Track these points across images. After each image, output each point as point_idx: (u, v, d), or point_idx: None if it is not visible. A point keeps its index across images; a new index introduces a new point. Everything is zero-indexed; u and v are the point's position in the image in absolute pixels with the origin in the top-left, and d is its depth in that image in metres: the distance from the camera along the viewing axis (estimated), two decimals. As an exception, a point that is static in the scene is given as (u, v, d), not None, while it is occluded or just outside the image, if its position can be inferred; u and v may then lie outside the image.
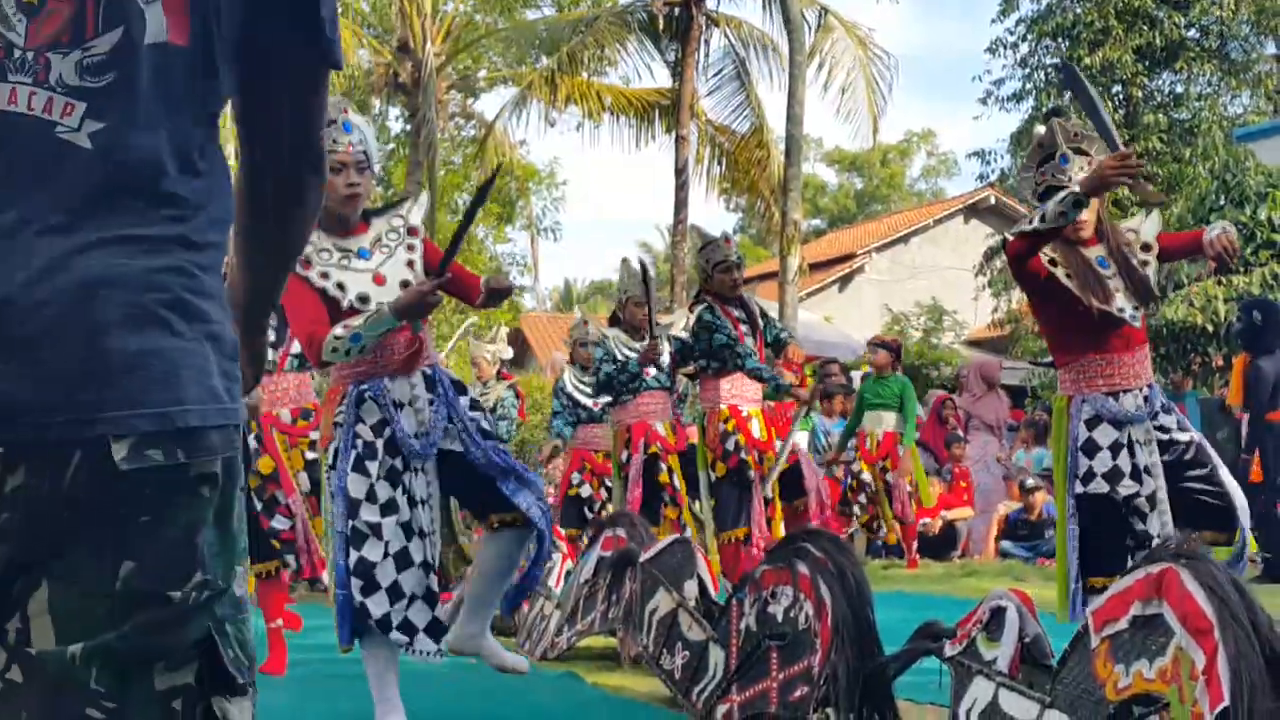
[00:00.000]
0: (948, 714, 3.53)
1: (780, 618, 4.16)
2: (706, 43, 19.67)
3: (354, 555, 3.72)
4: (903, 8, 41.80)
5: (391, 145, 24.02)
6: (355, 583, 3.70)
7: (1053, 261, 4.19)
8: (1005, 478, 12.24)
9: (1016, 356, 18.05)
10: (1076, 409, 4.22)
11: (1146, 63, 19.16)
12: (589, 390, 7.94)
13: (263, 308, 1.59)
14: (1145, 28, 18.79)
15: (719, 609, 4.64)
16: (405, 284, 3.80)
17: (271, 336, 5.64)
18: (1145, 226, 4.43)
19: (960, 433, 12.29)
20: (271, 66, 1.34)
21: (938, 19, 77.28)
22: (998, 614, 3.40)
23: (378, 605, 3.73)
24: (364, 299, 3.75)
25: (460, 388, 4.01)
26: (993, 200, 25.34)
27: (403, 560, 3.79)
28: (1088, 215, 4.17)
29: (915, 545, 10.35)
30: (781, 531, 6.32)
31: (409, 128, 18.88)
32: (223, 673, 1.22)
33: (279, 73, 1.35)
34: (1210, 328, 11.91)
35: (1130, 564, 3.97)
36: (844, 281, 26.47)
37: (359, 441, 3.79)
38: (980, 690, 3.37)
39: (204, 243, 1.25)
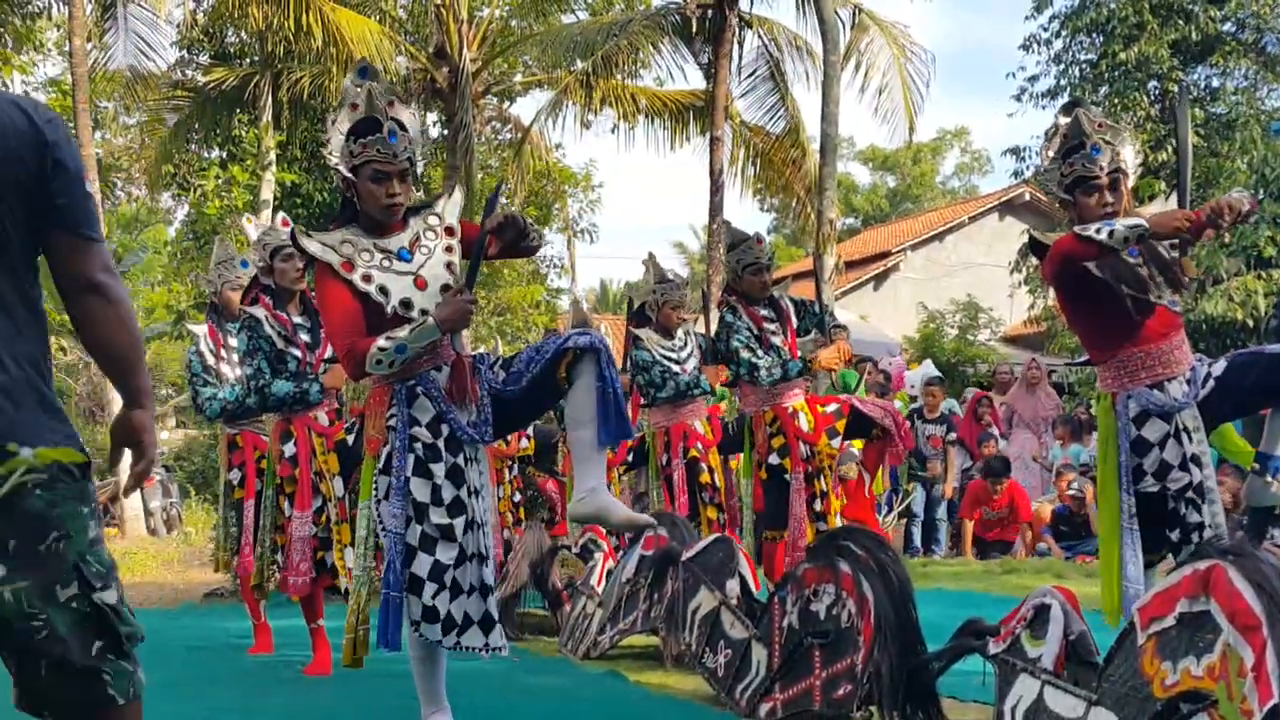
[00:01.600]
0: (992, 712, 3.52)
1: (823, 615, 4.15)
2: (740, 44, 19.60)
3: (426, 560, 3.70)
4: (935, 4, 41.55)
5: (430, 149, 24.09)
6: (430, 587, 3.69)
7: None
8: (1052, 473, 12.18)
9: (1054, 353, 17.94)
10: (1123, 405, 4.15)
11: (1182, 57, 18.97)
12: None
13: (120, 380, 2.57)
14: (1181, 22, 18.61)
15: (761, 607, 4.64)
16: (445, 287, 3.81)
17: (306, 338, 5.63)
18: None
19: (995, 430, 12.23)
20: (49, 245, 2.33)
21: (971, 15, 76.89)
22: (1042, 611, 3.39)
23: (444, 605, 3.73)
24: (407, 304, 3.74)
25: (482, 358, 4.02)
26: (1028, 197, 25.19)
27: (468, 557, 3.81)
28: (1119, 209, 4.11)
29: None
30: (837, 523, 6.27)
31: (446, 133, 18.90)
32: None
33: (52, 249, 2.34)
34: (1250, 323, 11.79)
35: (1181, 555, 3.95)
36: (879, 280, 26.39)
37: (417, 445, 3.76)
38: (1025, 688, 3.36)
39: None
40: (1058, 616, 3.31)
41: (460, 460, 3.82)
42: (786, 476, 6.27)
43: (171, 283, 24.70)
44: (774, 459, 6.32)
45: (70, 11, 16.13)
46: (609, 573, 6.58)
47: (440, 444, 3.79)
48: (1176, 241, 4.10)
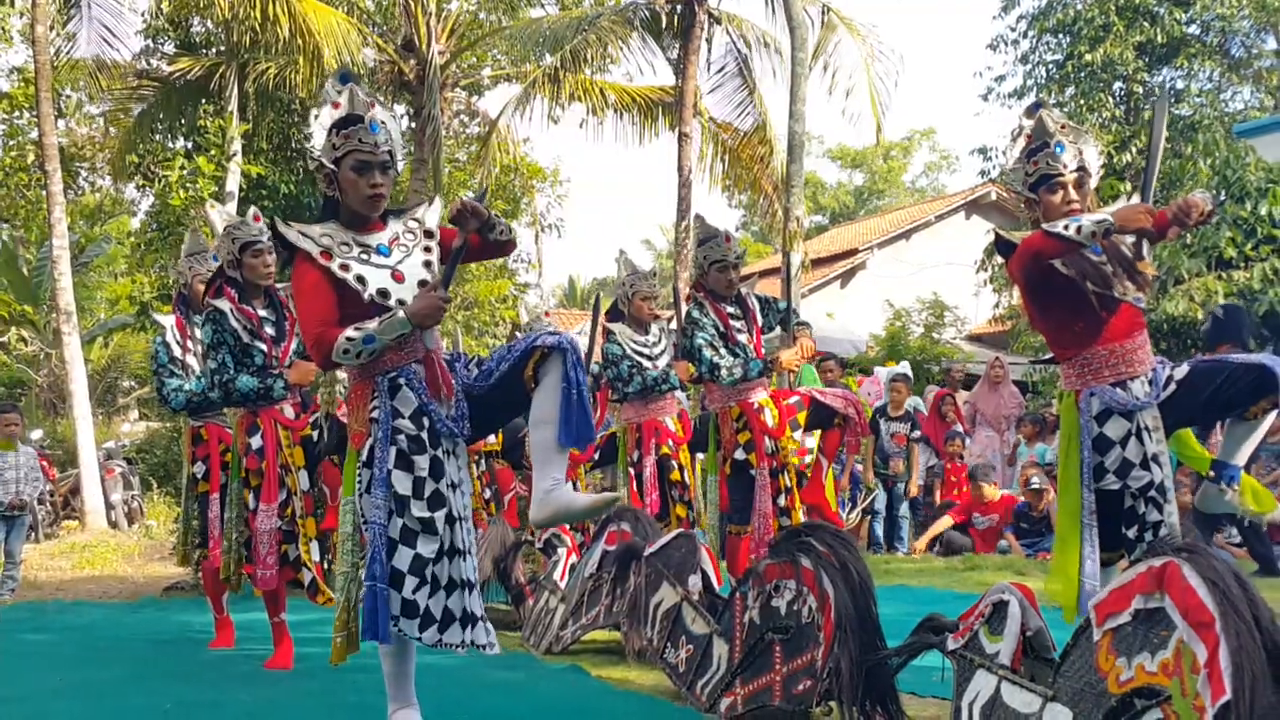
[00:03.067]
0: (950, 707, 3.53)
1: (784, 611, 4.16)
2: (708, 41, 19.61)
3: (406, 553, 3.67)
4: (904, 2, 41.66)
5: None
6: (410, 581, 3.65)
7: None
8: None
9: (1018, 351, 18.04)
10: (1085, 403, 4.16)
11: (1147, 59, 19.14)
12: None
13: None
14: (1146, 24, 18.77)
15: (723, 603, 4.65)
16: (423, 283, 3.80)
17: (271, 331, 5.59)
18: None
19: (960, 429, 12.30)
20: None
21: (939, 12, 77.16)
22: (1000, 607, 3.40)
23: (425, 599, 3.70)
24: (384, 294, 3.73)
25: (456, 356, 4.01)
26: (994, 196, 25.31)
27: (446, 551, 3.77)
28: (1083, 205, 4.12)
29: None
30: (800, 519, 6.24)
31: (414, 125, 18.81)
32: None
33: None
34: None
35: (1137, 552, 3.98)
36: (846, 277, 26.45)
37: (400, 437, 3.73)
38: (983, 683, 3.38)
39: None
40: (1015, 613, 3.33)
41: (440, 453, 3.79)
42: (752, 472, 6.23)
43: (135, 274, 24.46)
44: (740, 454, 6.28)
45: (33, 0, 15.96)
46: (572, 568, 6.58)
47: (424, 435, 3.77)
48: (1140, 239, 4.11)
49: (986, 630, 3.44)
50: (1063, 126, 4.19)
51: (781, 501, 6.28)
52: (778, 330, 6.66)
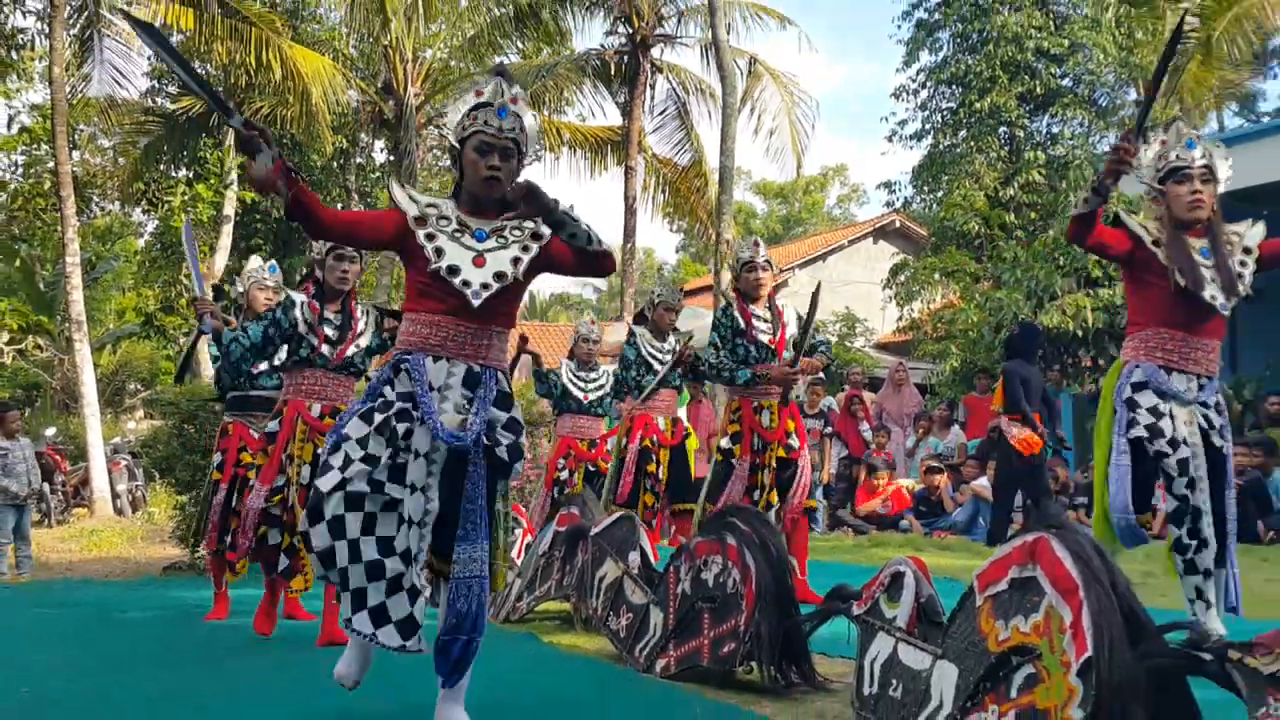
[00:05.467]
0: (855, 666, 3.54)
1: (711, 583, 4.17)
2: (652, 87, 19.71)
3: (320, 478, 3.13)
4: (820, 56, 42.03)
5: (377, 174, 23.82)
6: (334, 499, 3.09)
7: (1155, 243, 3.95)
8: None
9: (918, 358, 18.17)
10: (1128, 372, 3.99)
11: (1028, 107, 19.35)
12: (582, 384, 7.81)
13: None
14: (1027, 77, 18.98)
15: (658, 576, 4.64)
16: (500, 275, 3.22)
17: (330, 333, 5.28)
18: (1250, 232, 4.10)
19: (868, 425, 12.39)
20: None
21: (851, 66, 77.68)
22: (897, 578, 3.42)
23: (320, 537, 3.09)
24: (454, 270, 3.19)
25: (506, 401, 3.32)
26: (897, 224, 25.50)
27: (385, 546, 3.13)
28: (1203, 198, 3.94)
29: None
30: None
31: (392, 159, 18.71)
32: None
33: None
34: (1080, 333, 12.03)
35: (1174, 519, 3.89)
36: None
37: (380, 400, 3.20)
38: (882, 644, 3.39)
39: None
40: (910, 583, 3.34)
41: (409, 441, 3.18)
42: (733, 461, 6.02)
43: (140, 288, 24.23)
44: (725, 443, 6.08)
45: (51, 44, 15.76)
46: (527, 546, 6.56)
47: (403, 407, 3.19)
48: (1246, 257, 3.99)
49: (886, 598, 3.45)
50: (1192, 132, 4.05)
51: (756, 495, 6.01)
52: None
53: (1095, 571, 2.53)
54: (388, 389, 3.22)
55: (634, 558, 4.93)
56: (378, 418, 3.16)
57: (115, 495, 15.51)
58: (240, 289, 6.61)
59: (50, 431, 17.49)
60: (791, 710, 3.60)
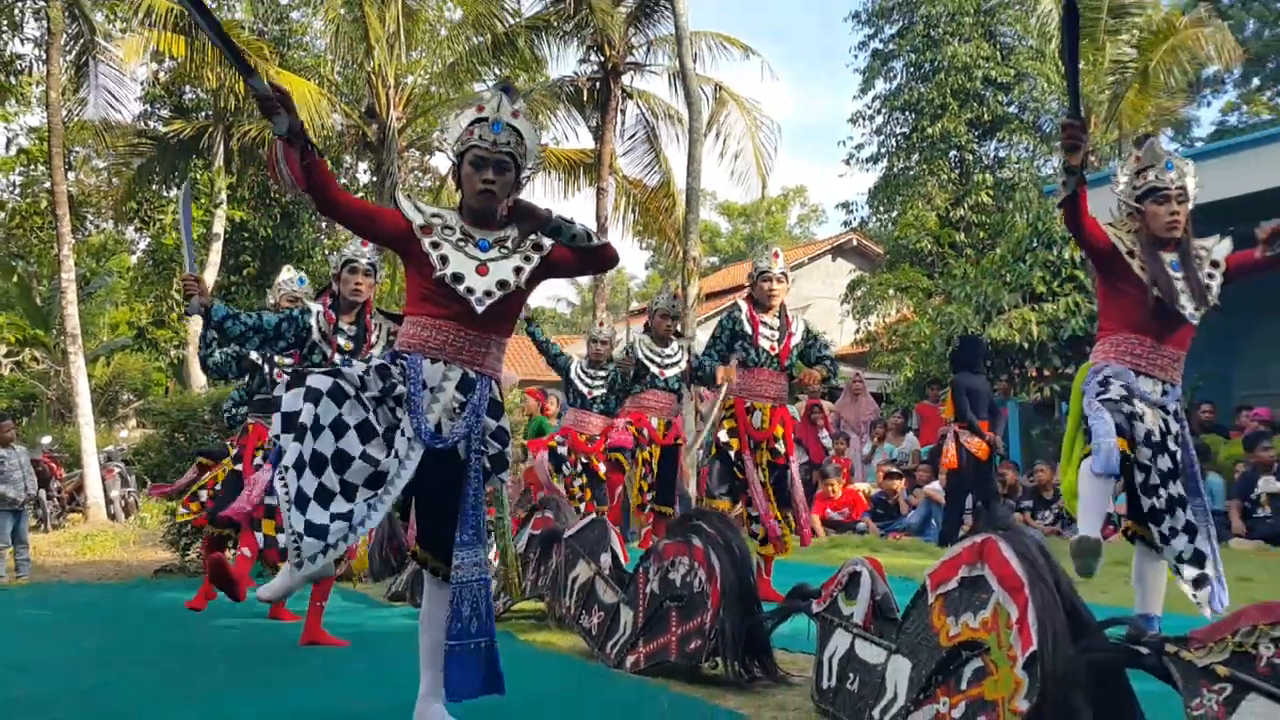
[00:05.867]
0: (814, 660, 3.54)
1: (679, 583, 4.16)
2: (622, 112, 19.70)
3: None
4: (782, 83, 42.26)
5: (361, 195, 23.75)
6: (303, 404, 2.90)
7: (1130, 253, 3.93)
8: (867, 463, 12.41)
9: (875, 369, 18.25)
10: (1097, 369, 3.96)
11: (977, 133, 19.52)
12: (588, 381, 7.94)
13: None
14: (975, 104, 19.15)
15: (628, 576, 4.63)
16: (503, 283, 3.15)
17: (343, 343, 5.17)
18: (1217, 249, 4.06)
19: (828, 433, 12.40)
20: None
21: (810, 93, 78.03)
22: (854, 577, 3.43)
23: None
24: (458, 278, 3.12)
25: (497, 410, 3.24)
26: (855, 243, 25.63)
27: (341, 461, 2.91)
28: (1179, 218, 3.91)
29: None
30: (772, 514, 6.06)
31: (374, 179, 18.63)
32: None
33: None
34: (1025, 345, 12.09)
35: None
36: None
37: (381, 366, 3.06)
38: (840, 640, 3.40)
39: None
40: (866, 582, 3.35)
41: (398, 420, 3.04)
42: (731, 453, 6.05)
43: (133, 303, 24.00)
44: (724, 435, 6.07)
45: (48, 69, 15.63)
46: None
47: (390, 372, 3.06)
48: (1214, 270, 3.96)
49: (843, 596, 3.46)
50: (1170, 153, 4.03)
51: (748, 492, 6.05)
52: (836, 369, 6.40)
53: (1040, 570, 2.54)
54: (393, 366, 3.09)
55: (605, 559, 4.92)
56: (356, 370, 3.03)
57: (109, 501, 15.38)
58: (271, 300, 6.54)
59: (46, 440, 17.37)
60: (754, 703, 3.59)
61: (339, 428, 2.92)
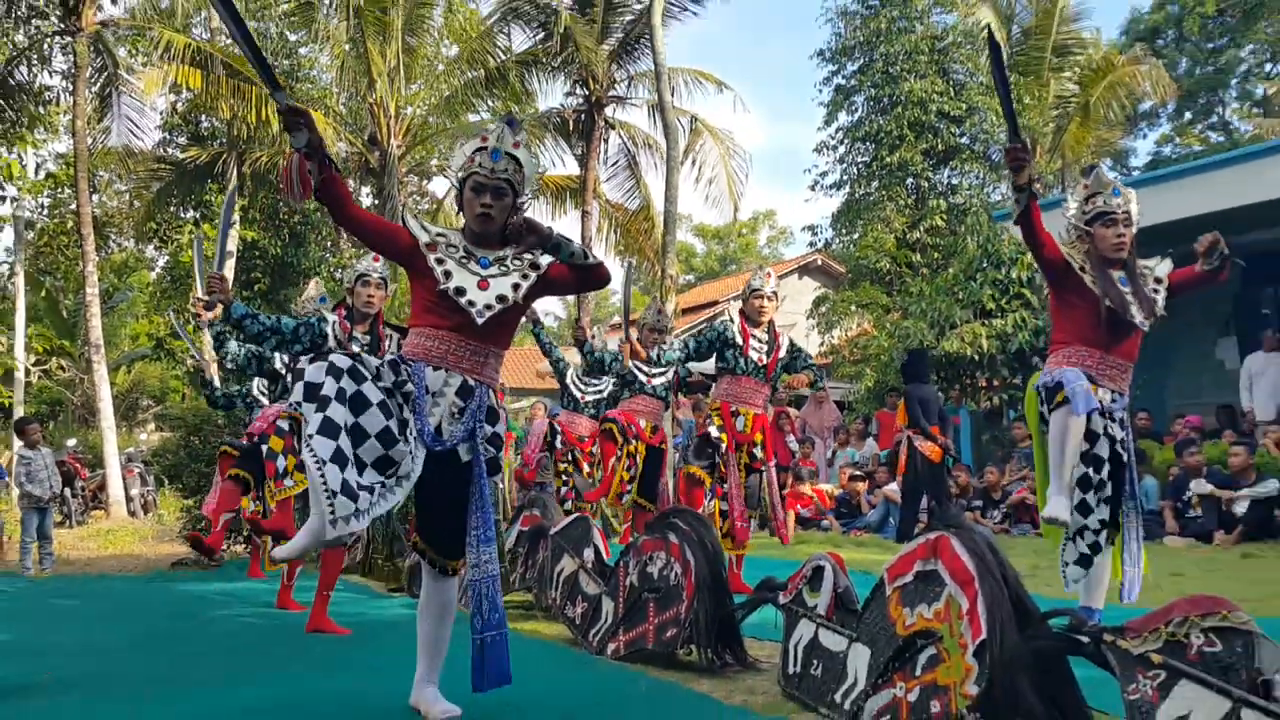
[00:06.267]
0: (781, 648, 3.54)
1: (656, 576, 4.14)
2: (605, 142, 19.73)
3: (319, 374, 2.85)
4: (753, 115, 42.40)
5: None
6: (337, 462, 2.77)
7: (1082, 269, 3.93)
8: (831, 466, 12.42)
9: (838, 379, 18.29)
10: (1047, 373, 3.94)
11: (931, 162, 19.59)
12: (582, 387, 8.05)
13: None
14: (930, 136, 19.23)
15: (610, 570, 4.61)
16: (502, 298, 3.14)
17: (356, 349, 5.07)
18: (1160, 267, 4.07)
19: (794, 438, 12.40)
20: None
21: (779, 124, 78.28)
22: (818, 571, 3.42)
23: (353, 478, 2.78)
24: (460, 291, 3.10)
25: (493, 416, 3.20)
26: (819, 262, 25.69)
27: (359, 435, 2.84)
28: (1125, 240, 3.91)
29: None
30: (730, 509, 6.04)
31: (376, 203, 18.57)
32: None
33: None
34: (976, 357, 12.13)
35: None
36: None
37: (390, 365, 3.03)
38: (805, 629, 3.39)
39: None
40: (829, 575, 3.34)
41: (401, 401, 3.00)
42: (717, 439, 6.01)
43: (152, 316, 23.85)
44: (714, 430, 6.04)
45: (74, 100, 15.57)
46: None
47: (399, 372, 3.03)
48: (1158, 286, 3.97)
49: (808, 589, 3.45)
50: (1116, 180, 4.02)
51: (725, 486, 6.03)
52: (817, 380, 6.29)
53: (988, 565, 2.54)
54: (401, 366, 3.05)
55: (588, 554, 4.89)
56: (390, 371, 3.00)
57: (129, 499, 15.31)
58: (295, 310, 6.50)
59: (71, 442, 17.29)
60: (725, 687, 3.58)
61: (360, 403, 2.86)
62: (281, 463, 5.38)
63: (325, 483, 2.71)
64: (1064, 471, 3.84)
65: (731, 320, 6.15)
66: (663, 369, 7.29)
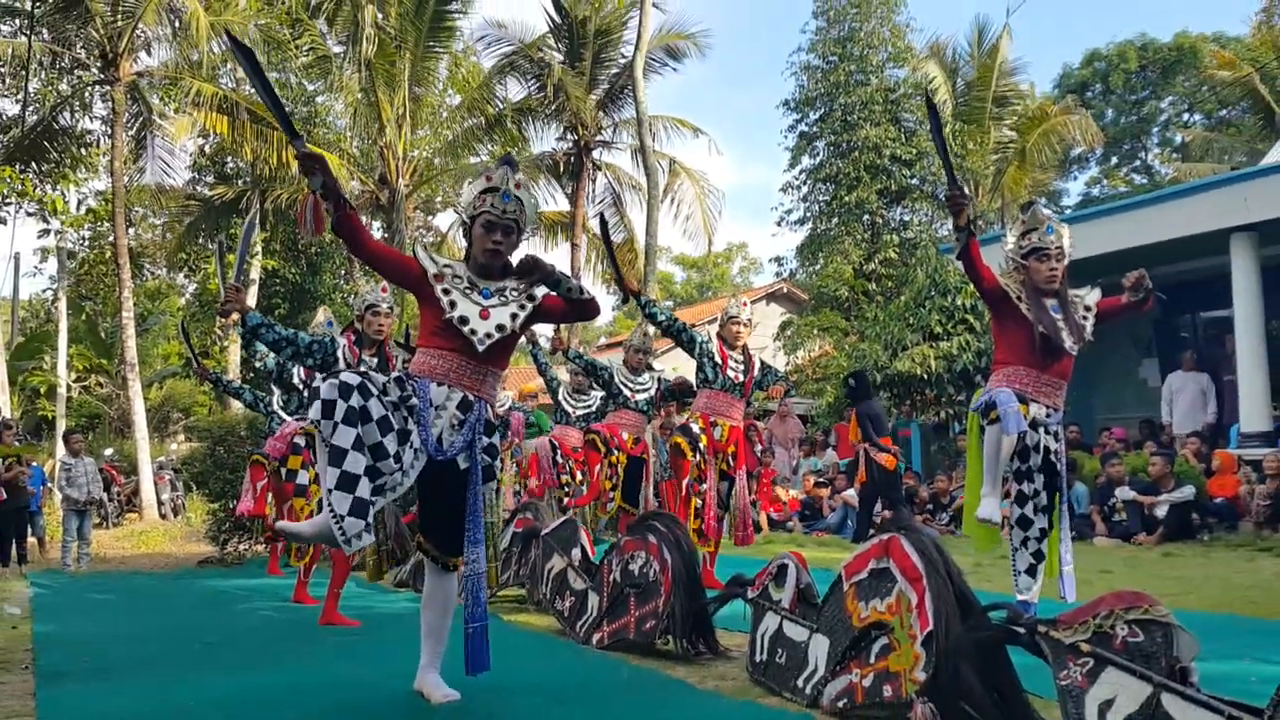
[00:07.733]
0: (749, 638, 3.53)
1: (637, 573, 4.13)
2: (593, 181, 19.80)
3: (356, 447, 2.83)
4: (726, 158, 42.59)
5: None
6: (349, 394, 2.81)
7: (1019, 298, 3.88)
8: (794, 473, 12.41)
9: (802, 395, 18.33)
10: (987, 392, 3.92)
11: (885, 200, 19.71)
12: (573, 403, 8.01)
13: None
14: (884, 177, 19.36)
15: (595, 567, 4.60)
16: (501, 327, 3.12)
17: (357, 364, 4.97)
18: (1089, 296, 4.05)
19: (760, 448, 12.37)
20: None
21: (750, 166, 78.60)
22: (783, 568, 3.42)
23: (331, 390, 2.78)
24: (464, 320, 3.09)
25: (490, 429, 3.18)
26: (785, 290, 25.74)
27: (359, 447, 2.83)
28: (1058, 273, 3.88)
29: None
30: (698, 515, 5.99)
31: (386, 235, 18.55)
32: None
33: None
34: (925, 376, 12.15)
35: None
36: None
37: (395, 380, 3.01)
38: (770, 621, 3.38)
39: None
40: (793, 572, 3.34)
41: (405, 413, 2.98)
42: (700, 444, 5.99)
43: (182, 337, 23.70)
44: (696, 428, 6.01)
45: (113, 142, 15.55)
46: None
47: (405, 388, 3.01)
48: (1088, 313, 3.96)
49: (774, 584, 3.45)
50: (1051, 217, 3.98)
51: (703, 488, 6.00)
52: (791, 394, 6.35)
53: (935, 563, 2.55)
54: (407, 383, 3.04)
55: (576, 552, 4.87)
56: (395, 386, 2.99)
57: (160, 503, 15.21)
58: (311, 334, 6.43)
59: (109, 451, 17.21)
60: (699, 674, 3.56)
61: (364, 418, 2.85)
62: (304, 476, 5.35)
63: (333, 509, 2.77)
64: (996, 479, 3.86)
65: (711, 341, 6.14)
66: (645, 385, 7.27)
